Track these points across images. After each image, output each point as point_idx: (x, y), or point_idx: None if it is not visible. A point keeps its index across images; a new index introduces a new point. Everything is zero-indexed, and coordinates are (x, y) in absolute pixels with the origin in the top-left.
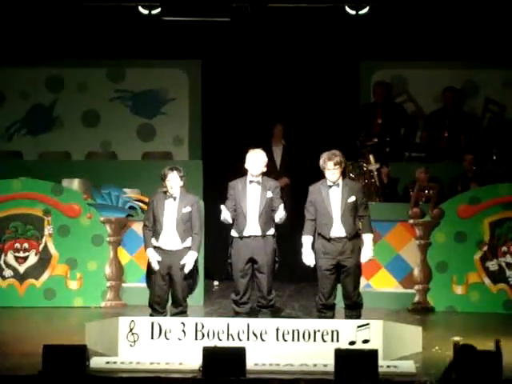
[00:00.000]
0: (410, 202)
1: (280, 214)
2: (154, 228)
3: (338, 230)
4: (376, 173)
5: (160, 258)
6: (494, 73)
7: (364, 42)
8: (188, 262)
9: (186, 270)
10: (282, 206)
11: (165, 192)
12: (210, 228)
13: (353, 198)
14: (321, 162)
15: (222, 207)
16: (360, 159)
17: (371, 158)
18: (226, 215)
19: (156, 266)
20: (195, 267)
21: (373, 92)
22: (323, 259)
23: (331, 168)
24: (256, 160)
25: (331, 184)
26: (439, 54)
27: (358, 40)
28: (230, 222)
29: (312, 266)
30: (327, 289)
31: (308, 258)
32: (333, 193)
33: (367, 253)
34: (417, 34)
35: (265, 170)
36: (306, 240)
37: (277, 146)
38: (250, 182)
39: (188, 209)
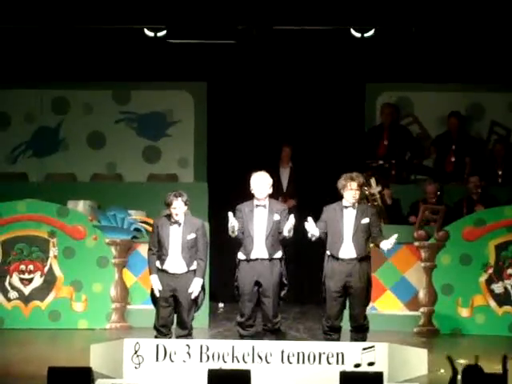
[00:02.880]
0: (415, 224)
1: (288, 225)
2: (159, 252)
3: (348, 251)
4: (378, 195)
5: (160, 287)
6: (499, 95)
7: (369, 64)
8: (195, 289)
9: (193, 296)
10: (291, 216)
11: (169, 216)
12: (216, 250)
13: (366, 220)
14: (342, 182)
15: (230, 214)
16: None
17: (372, 181)
18: (233, 222)
19: (157, 294)
20: (202, 288)
21: (380, 113)
22: (331, 281)
23: (354, 188)
24: (261, 183)
25: (348, 205)
26: (445, 76)
27: (364, 62)
28: (236, 229)
29: (316, 234)
30: (334, 311)
31: (311, 227)
32: (347, 213)
33: (389, 242)
34: (422, 57)
35: (270, 191)
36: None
37: (284, 168)
38: (257, 205)
39: (193, 235)
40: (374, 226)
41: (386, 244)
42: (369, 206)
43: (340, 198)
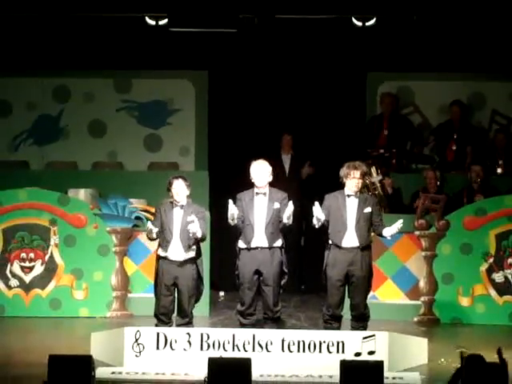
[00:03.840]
0: (416, 213)
1: (287, 212)
2: (162, 235)
3: (350, 239)
4: (379, 184)
5: (157, 229)
6: (501, 85)
7: (371, 53)
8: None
9: (191, 226)
10: (290, 203)
11: (171, 202)
12: (216, 239)
13: (369, 209)
14: (345, 171)
15: (230, 202)
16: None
17: (373, 170)
18: (233, 209)
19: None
20: (200, 277)
21: (380, 103)
22: (333, 270)
23: (357, 177)
24: (260, 171)
25: (350, 193)
26: (446, 65)
27: (365, 51)
28: (236, 217)
29: (322, 218)
30: (336, 300)
31: (318, 211)
32: (350, 202)
33: (394, 228)
34: (424, 46)
35: (270, 179)
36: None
37: (286, 155)
38: (257, 193)
39: (193, 216)
40: (375, 215)
41: (390, 230)
42: (370, 195)
43: (341, 186)
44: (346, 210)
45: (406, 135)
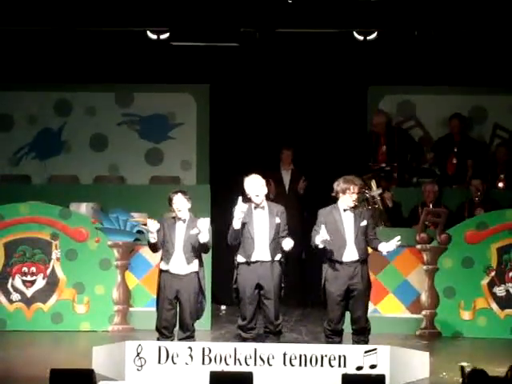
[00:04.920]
0: (418, 227)
1: (290, 244)
2: (164, 248)
3: (351, 254)
4: (379, 198)
5: (158, 226)
6: (502, 98)
7: (372, 67)
8: (202, 228)
9: (201, 237)
10: (289, 240)
11: (174, 217)
12: (218, 253)
13: (364, 223)
14: (342, 185)
15: (240, 199)
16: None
17: (372, 183)
18: (242, 207)
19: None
20: (202, 292)
21: (372, 123)
22: (334, 285)
23: (356, 192)
24: (255, 185)
25: (346, 208)
26: (447, 79)
27: (366, 65)
28: (242, 215)
29: (328, 238)
30: (337, 314)
31: (323, 235)
32: (346, 217)
33: (391, 245)
34: (425, 60)
35: (266, 191)
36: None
37: (286, 170)
38: (255, 207)
39: (196, 230)
40: (370, 228)
41: (387, 247)
42: (364, 208)
43: (334, 200)
44: (343, 225)
45: (405, 149)
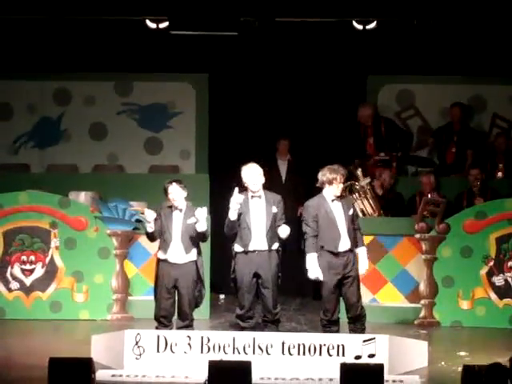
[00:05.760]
0: (416, 216)
1: (286, 231)
2: (162, 238)
3: (345, 244)
4: (368, 187)
5: (155, 215)
6: (501, 88)
7: (371, 56)
8: (200, 218)
9: (199, 226)
10: (286, 227)
11: (170, 207)
12: (217, 242)
13: (351, 211)
14: (330, 175)
15: (236, 190)
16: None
17: (359, 173)
18: (238, 199)
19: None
20: (201, 281)
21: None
22: (329, 275)
23: (341, 181)
24: (252, 174)
25: (333, 198)
26: (447, 68)
27: (366, 54)
28: (238, 206)
29: (321, 278)
30: (333, 305)
31: (316, 272)
32: (335, 207)
33: (364, 265)
34: (424, 49)
35: (263, 180)
36: (312, 257)
37: (282, 161)
38: (252, 196)
39: (193, 219)
40: (355, 216)
41: (362, 268)
42: (350, 196)
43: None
44: (334, 215)
45: (393, 138)
